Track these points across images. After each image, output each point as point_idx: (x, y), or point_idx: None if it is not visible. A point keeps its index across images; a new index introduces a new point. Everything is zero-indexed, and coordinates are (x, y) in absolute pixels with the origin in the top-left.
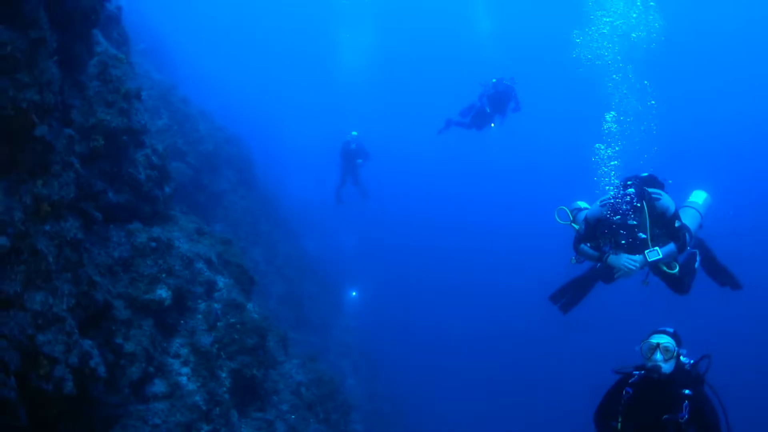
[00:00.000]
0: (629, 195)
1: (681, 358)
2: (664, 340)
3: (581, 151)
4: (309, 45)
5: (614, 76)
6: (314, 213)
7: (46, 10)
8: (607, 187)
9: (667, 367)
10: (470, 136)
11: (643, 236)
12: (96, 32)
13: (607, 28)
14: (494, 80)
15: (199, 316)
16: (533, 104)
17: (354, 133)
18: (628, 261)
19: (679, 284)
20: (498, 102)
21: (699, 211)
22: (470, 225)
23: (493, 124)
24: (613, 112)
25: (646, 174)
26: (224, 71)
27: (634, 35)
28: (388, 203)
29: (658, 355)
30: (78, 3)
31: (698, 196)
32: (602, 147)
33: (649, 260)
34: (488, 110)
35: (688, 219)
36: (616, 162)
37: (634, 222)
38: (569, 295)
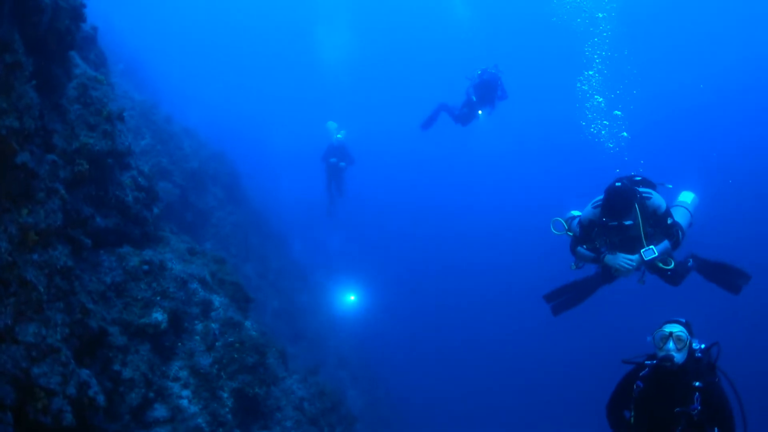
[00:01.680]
0: (626, 194)
1: (693, 345)
2: (677, 329)
3: (571, 135)
4: (287, 45)
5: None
6: (304, 213)
7: (20, 34)
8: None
9: (679, 357)
10: (458, 129)
11: (637, 235)
12: (73, 54)
13: None
14: (479, 71)
15: (197, 337)
16: (520, 90)
17: (339, 135)
18: (624, 260)
19: (672, 278)
20: (484, 91)
21: (689, 210)
22: (462, 220)
23: (480, 112)
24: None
25: (639, 178)
26: (204, 83)
27: None
28: (377, 203)
29: (671, 345)
30: (52, 25)
31: (686, 197)
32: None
33: (645, 259)
34: (474, 99)
35: (679, 217)
36: (600, 98)
37: (627, 222)
38: (566, 298)
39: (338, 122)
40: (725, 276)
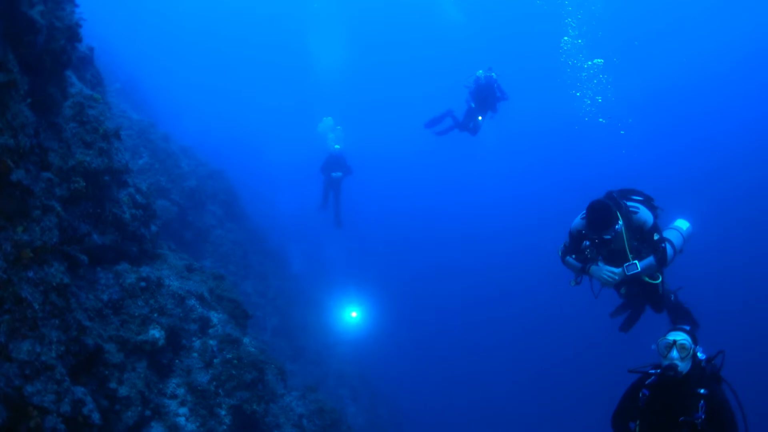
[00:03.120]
0: (605, 208)
1: (698, 354)
2: (680, 337)
3: (564, 126)
4: (281, 54)
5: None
6: (304, 224)
7: (15, 53)
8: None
9: (683, 366)
10: (459, 136)
11: (622, 249)
12: (69, 74)
13: None
14: (474, 77)
15: (195, 354)
16: (517, 93)
17: (337, 146)
18: (607, 273)
19: (658, 302)
20: (482, 95)
21: (682, 235)
22: (461, 228)
23: (480, 117)
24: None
25: (640, 197)
26: (200, 97)
27: None
28: (374, 211)
29: (675, 353)
30: (48, 44)
31: (682, 224)
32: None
33: (627, 273)
34: (473, 105)
35: (671, 237)
36: (581, 41)
37: (606, 237)
38: (628, 314)
39: (334, 119)
40: (681, 319)
